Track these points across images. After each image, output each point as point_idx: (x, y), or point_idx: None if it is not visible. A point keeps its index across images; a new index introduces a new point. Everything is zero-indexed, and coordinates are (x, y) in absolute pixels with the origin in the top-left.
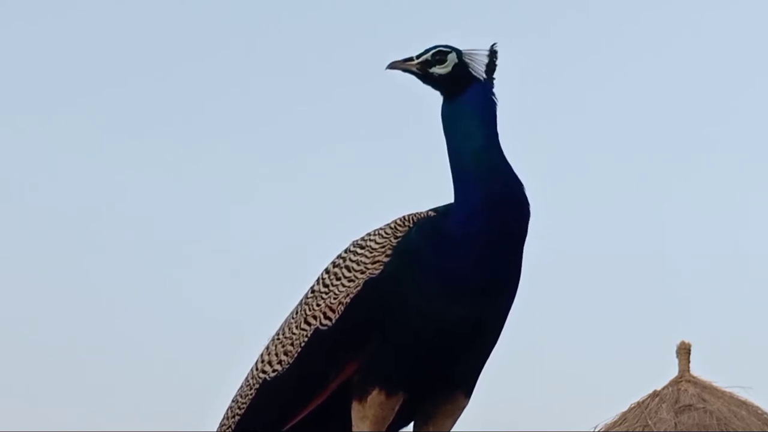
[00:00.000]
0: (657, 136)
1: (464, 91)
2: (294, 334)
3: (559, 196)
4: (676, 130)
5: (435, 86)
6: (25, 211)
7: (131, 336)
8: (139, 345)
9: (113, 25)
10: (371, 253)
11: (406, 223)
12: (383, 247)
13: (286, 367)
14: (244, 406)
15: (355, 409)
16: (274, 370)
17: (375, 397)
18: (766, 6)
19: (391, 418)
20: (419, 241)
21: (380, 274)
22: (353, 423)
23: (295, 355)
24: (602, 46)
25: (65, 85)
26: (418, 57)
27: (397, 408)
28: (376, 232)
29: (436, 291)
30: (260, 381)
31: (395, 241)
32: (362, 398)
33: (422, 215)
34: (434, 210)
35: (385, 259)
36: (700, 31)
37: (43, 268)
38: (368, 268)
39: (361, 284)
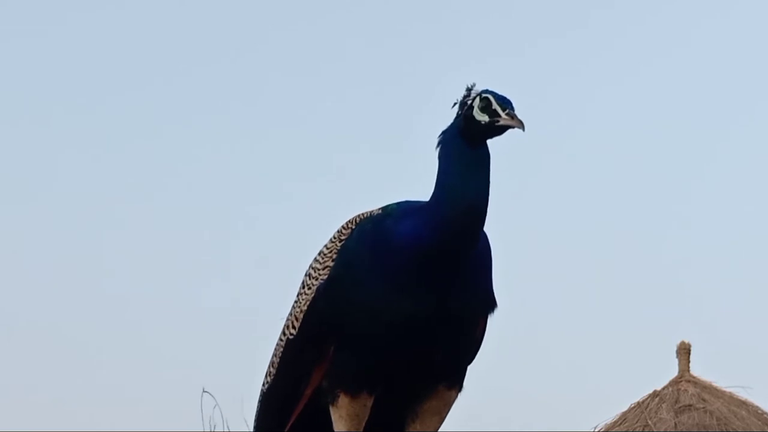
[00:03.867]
0: (658, 136)
1: (484, 143)
2: (278, 346)
3: (559, 196)
4: (678, 130)
5: (491, 133)
6: (38, 210)
7: (142, 336)
8: (150, 345)
9: (127, 27)
10: (323, 259)
11: (350, 225)
12: (331, 251)
13: (272, 378)
14: (256, 419)
15: (331, 411)
16: (266, 382)
17: (342, 398)
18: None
19: (366, 415)
20: (358, 242)
21: (327, 278)
22: (333, 424)
23: (277, 366)
24: (602, 48)
25: (83, 87)
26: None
27: (368, 405)
28: (329, 238)
29: (379, 290)
30: (261, 393)
31: (339, 244)
32: (333, 401)
33: (366, 215)
34: (384, 208)
35: (331, 263)
36: (702, 33)
37: (58, 267)
38: (320, 274)
39: (315, 290)
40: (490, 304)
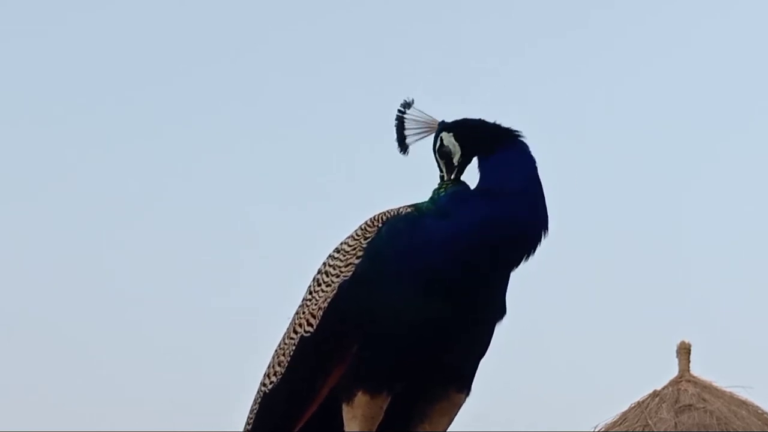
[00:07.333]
0: (658, 136)
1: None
2: (286, 344)
3: (559, 196)
4: (678, 129)
5: (477, 158)
6: (37, 210)
7: (143, 336)
8: (151, 345)
9: (127, 27)
10: (345, 256)
11: (375, 223)
12: (354, 249)
13: (280, 377)
14: (251, 419)
15: (345, 410)
16: (271, 382)
17: (360, 398)
18: None
19: (381, 416)
20: (389, 240)
21: (352, 276)
22: (344, 423)
23: (286, 365)
24: (602, 48)
25: (83, 87)
26: (446, 172)
27: (384, 406)
28: (350, 235)
29: (407, 290)
30: (261, 393)
31: (365, 242)
32: (349, 400)
33: (393, 213)
34: (414, 206)
35: (356, 261)
36: (702, 33)
37: (59, 267)
38: (342, 272)
39: (336, 288)
40: (503, 311)
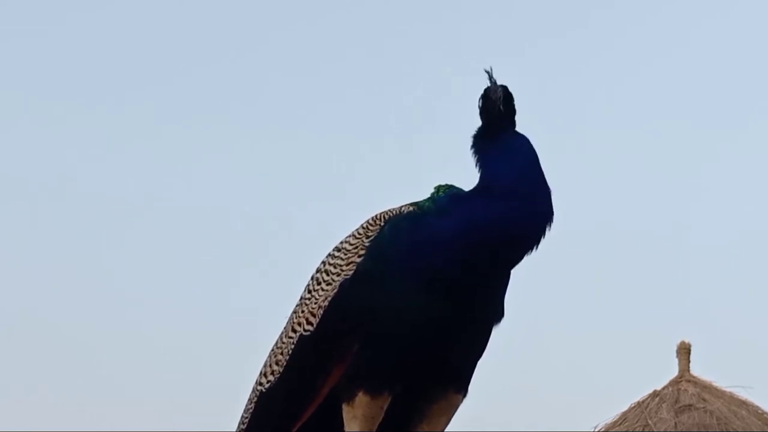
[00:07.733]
0: (658, 136)
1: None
2: (284, 343)
3: (559, 196)
4: (678, 130)
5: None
6: (37, 209)
7: (143, 336)
8: (151, 345)
9: (127, 27)
10: (346, 255)
11: (378, 222)
12: (356, 247)
13: (278, 376)
14: (247, 419)
15: (345, 410)
16: (268, 381)
17: (361, 398)
18: None
19: (381, 416)
20: (391, 239)
21: (353, 274)
22: (345, 423)
23: (285, 364)
24: (602, 48)
25: (83, 87)
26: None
27: (385, 407)
28: (351, 234)
29: (409, 289)
30: (258, 393)
31: (367, 240)
32: (350, 400)
33: (396, 212)
34: (415, 204)
35: (358, 260)
36: (702, 33)
37: (59, 267)
38: (343, 270)
39: (337, 286)
40: (502, 314)
